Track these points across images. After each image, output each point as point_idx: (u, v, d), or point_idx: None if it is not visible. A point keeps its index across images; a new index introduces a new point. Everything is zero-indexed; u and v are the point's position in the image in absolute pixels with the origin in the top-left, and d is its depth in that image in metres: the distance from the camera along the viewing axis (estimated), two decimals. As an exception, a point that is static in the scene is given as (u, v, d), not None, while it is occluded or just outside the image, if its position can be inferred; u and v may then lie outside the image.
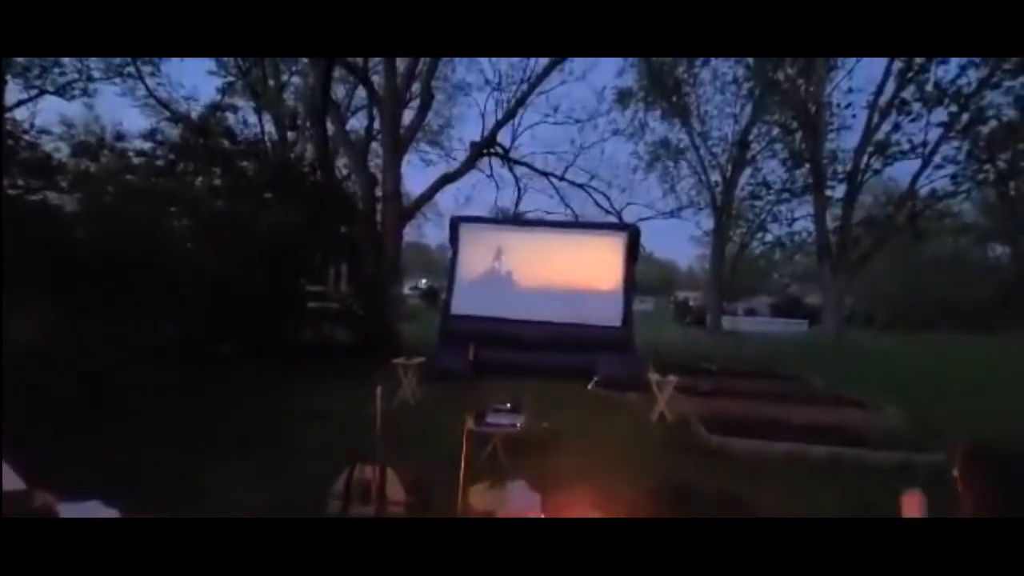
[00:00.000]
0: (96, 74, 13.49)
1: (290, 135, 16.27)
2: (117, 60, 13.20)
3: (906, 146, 16.46)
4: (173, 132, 9.96)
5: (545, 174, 16.75)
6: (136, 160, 8.37)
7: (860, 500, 3.73)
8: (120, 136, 8.72)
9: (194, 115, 13.02)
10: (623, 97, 20.39)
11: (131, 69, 14.03)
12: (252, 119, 15.96)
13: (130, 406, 5.08)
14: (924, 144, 16.22)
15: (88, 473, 3.31)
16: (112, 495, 1.99)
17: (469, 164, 14.87)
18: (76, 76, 13.11)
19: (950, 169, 16.30)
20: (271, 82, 16.33)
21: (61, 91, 13.18)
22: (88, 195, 7.19)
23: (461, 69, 18.16)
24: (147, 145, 8.68)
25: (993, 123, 15.35)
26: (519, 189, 17.13)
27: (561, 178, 16.77)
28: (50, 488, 1.94)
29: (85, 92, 13.43)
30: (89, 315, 5.27)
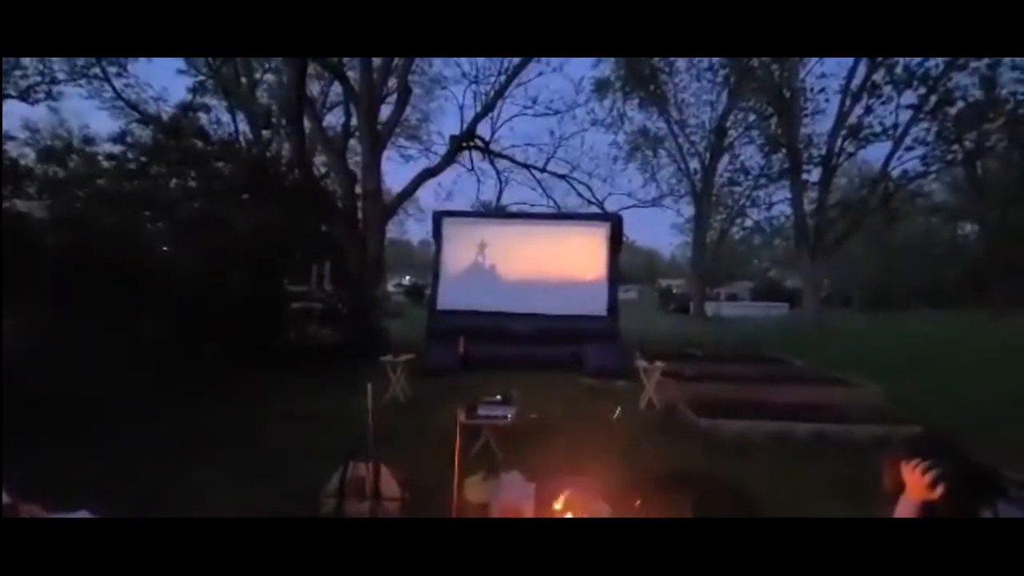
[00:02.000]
0: (60, 76, 13.06)
1: (265, 134, 15.97)
2: (81, 61, 12.78)
3: (878, 129, 16.81)
4: (143, 134, 9.70)
5: (526, 166, 16.75)
6: (106, 164, 8.14)
7: (844, 474, 3.84)
8: (88, 139, 8.46)
9: (165, 116, 12.71)
10: (601, 87, 20.45)
11: (96, 70, 13.62)
12: (225, 118, 15.64)
13: (113, 414, 4.98)
14: (895, 126, 16.59)
15: (73, 483, 3.24)
16: (98, 503, 1.97)
17: (449, 158, 14.79)
18: (39, 79, 12.66)
19: (920, 150, 16.72)
20: (243, 80, 15.97)
21: (24, 95, 12.73)
22: (58, 201, 6.98)
23: (438, 62, 17.99)
24: (117, 148, 8.45)
25: (960, 104, 15.77)
26: (501, 182, 17.12)
27: (542, 170, 16.78)
28: (35, 499, 1.90)
29: (49, 95, 12.99)
30: (67, 323, 5.13)
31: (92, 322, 5.42)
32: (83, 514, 1.90)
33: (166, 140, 8.95)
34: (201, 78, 15.14)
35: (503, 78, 15.05)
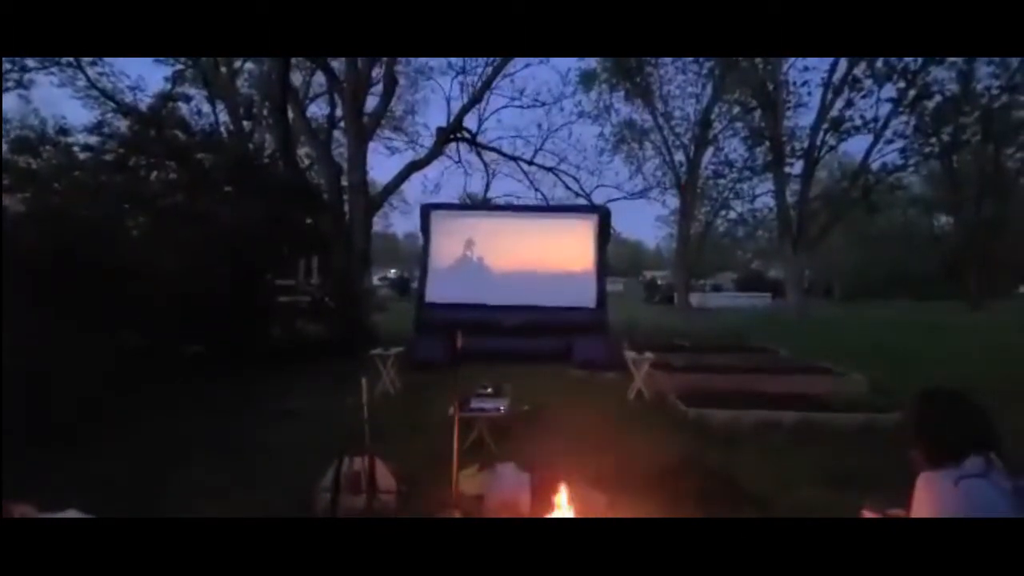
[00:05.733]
0: (30, 64, 12.58)
1: (246, 124, 15.63)
2: (54, 48, 12.32)
3: (859, 122, 17.10)
4: (121, 125, 9.44)
5: (514, 159, 16.66)
6: (82, 155, 7.90)
7: (829, 461, 3.94)
8: (63, 130, 8.18)
9: (142, 106, 12.37)
10: (587, 79, 20.41)
11: (68, 58, 13.15)
12: (205, 108, 15.25)
13: (98, 414, 4.90)
14: (875, 120, 16.91)
15: (63, 485, 3.18)
16: (88, 506, 1.95)
17: (437, 151, 14.65)
18: (9, 67, 12.18)
19: (899, 144, 17.07)
20: (223, 69, 15.57)
21: (-9, 84, 12.25)
22: (33, 195, 6.77)
23: (423, 53, 17.73)
24: (93, 139, 8.20)
25: (938, 98, 16.11)
26: (488, 175, 17.02)
27: (530, 162, 16.71)
28: (27, 500, 1.88)
29: (20, 83, 12.53)
30: (44, 322, 5.00)
31: (71, 321, 5.28)
32: (72, 512, 1.89)
33: (145, 131, 8.73)
34: (179, 67, 14.72)
35: (490, 69, 14.92)
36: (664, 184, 23.31)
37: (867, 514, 1.59)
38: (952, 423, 1.40)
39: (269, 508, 3.08)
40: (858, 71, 16.65)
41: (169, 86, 13.71)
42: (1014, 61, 15.74)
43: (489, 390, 4.77)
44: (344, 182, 12.81)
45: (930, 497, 1.31)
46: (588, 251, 9.63)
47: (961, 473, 1.28)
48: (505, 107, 17.42)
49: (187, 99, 11.64)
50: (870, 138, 17.24)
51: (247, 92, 16.24)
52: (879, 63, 16.03)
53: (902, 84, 16.14)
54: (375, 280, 28.01)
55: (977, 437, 1.35)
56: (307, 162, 15.10)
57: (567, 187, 16.86)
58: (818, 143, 18.07)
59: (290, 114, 11.97)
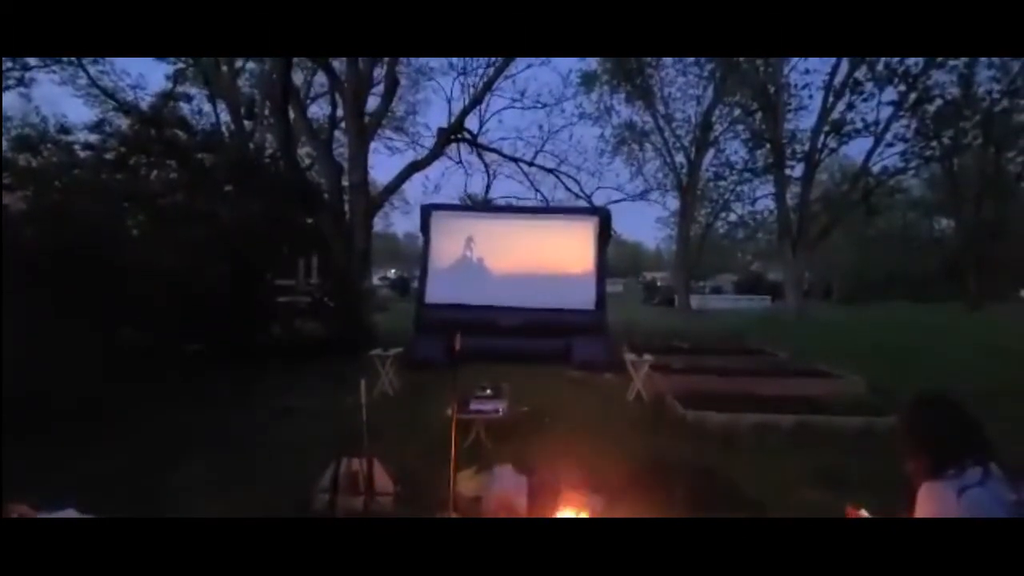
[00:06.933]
0: (32, 62, 12.59)
1: (247, 124, 15.63)
2: (55, 47, 12.31)
3: (859, 125, 17.11)
4: (121, 123, 9.44)
5: (514, 160, 16.66)
6: (83, 154, 7.91)
7: (828, 464, 3.93)
8: (64, 129, 8.19)
9: (143, 105, 12.39)
10: (588, 80, 20.42)
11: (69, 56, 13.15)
12: (206, 107, 15.26)
13: (98, 413, 4.89)
14: (876, 123, 16.91)
15: (60, 484, 3.18)
16: (85, 504, 1.94)
17: (437, 151, 14.65)
18: (10, 64, 12.19)
19: (900, 147, 17.08)
20: (224, 68, 15.58)
21: (-7, 81, 12.24)
22: (34, 193, 6.77)
23: (424, 53, 17.72)
24: (94, 137, 8.21)
25: (939, 102, 16.11)
26: (489, 175, 17.01)
27: (531, 163, 16.70)
28: (23, 499, 1.87)
29: (21, 82, 12.53)
30: (44, 321, 5.00)
31: (71, 319, 5.28)
32: (70, 512, 1.89)
33: (146, 130, 8.73)
34: (180, 66, 14.72)
35: (491, 70, 14.92)
36: (665, 186, 23.37)
37: (851, 513, 1.60)
38: (951, 430, 1.39)
39: (268, 507, 3.08)
40: (859, 74, 16.66)
41: (170, 85, 13.72)
42: (1015, 65, 15.77)
43: (488, 391, 4.77)
44: (345, 182, 12.82)
45: (933, 508, 1.31)
46: (588, 253, 9.62)
47: (963, 484, 1.28)
48: (506, 108, 17.42)
49: (188, 98, 11.66)
50: (871, 141, 17.26)
51: (248, 91, 16.24)
52: (880, 66, 16.03)
53: (903, 87, 16.15)
54: (375, 280, 27.98)
55: (975, 444, 1.35)
56: (308, 162, 15.11)
57: (567, 188, 16.88)
58: (819, 146, 18.09)
59: (291, 114, 11.98)
